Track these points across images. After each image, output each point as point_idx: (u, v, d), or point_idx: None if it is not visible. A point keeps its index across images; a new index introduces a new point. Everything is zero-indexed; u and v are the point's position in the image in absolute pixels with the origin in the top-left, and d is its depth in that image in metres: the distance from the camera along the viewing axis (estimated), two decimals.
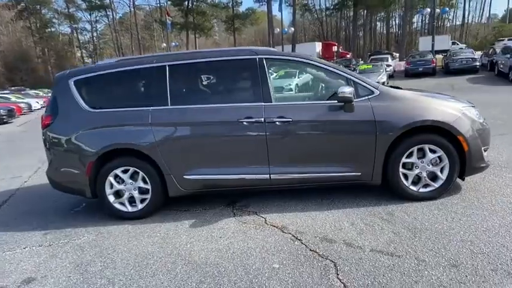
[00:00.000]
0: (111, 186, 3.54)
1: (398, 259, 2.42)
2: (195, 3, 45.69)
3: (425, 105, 3.32)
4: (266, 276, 2.38)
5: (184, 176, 3.45)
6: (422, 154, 3.31)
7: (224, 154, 3.43)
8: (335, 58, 37.33)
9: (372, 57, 28.40)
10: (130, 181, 3.52)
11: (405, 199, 3.36)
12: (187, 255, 2.76)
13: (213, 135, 3.41)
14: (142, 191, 3.55)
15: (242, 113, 3.33)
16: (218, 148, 3.42)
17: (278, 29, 35.94)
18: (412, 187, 3.36)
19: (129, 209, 3.57)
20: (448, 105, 3.37)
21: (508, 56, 15.59)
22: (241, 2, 47.44)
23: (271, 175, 3.40)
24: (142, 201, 3.56)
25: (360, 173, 3.35)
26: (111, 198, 3.56)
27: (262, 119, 3.30)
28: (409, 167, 3.35)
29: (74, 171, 3.56)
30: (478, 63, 19.00)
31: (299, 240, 2.83)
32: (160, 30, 55.70)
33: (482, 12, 59.91)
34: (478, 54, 21.93)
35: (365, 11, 43.29)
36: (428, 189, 3.36)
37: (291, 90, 11.61)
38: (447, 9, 45.23)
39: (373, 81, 3.63)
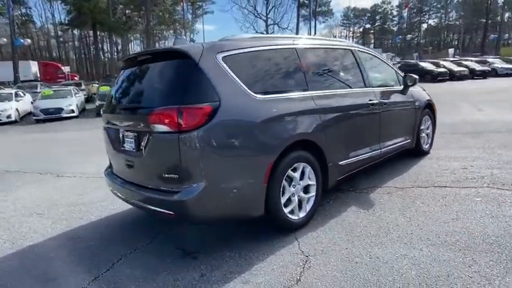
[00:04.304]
0: (283, 191, 2.80)
1: None
2: None
3: (422, 90, 4.97)
4: None
5: (340, 163, 3.31)
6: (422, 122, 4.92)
7: (361, 135, 3.63)
8: (63, 80, 32.66)
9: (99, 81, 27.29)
10: (299, 181, 2.93)
11: (421, 155, 4.86)
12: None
13: (357, 118, 3.53)
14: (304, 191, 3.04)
15: (367, 96, 3.68)
16: (359, 130, 3.58)
17: (5, 40, 27.88)
18: (424, 146, 4.93)
19: (300, 215, 2.95)
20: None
21: None
22: None
23: (381, 150, 3.93)
24: (307, 202, 3.04)
25: (410, 140, 4.54)
26: (284, 208, 2.80)
27: (378, 101, 3.80)
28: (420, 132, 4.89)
29: (247, 183, 2.53)
30: None
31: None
32: None
33: None
34: None
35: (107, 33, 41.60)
36: (427, 145, 5.04)
37: None
38: (194, 41, 50.80)
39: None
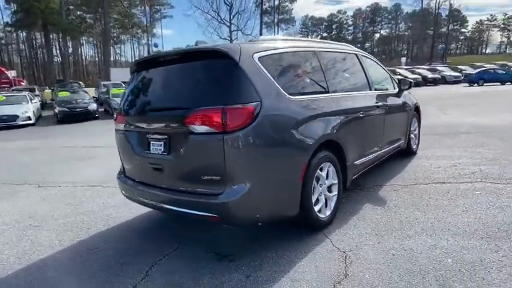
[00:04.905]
0: (313, 190, 2.86)
1: None
2: None
3: (409, 94, 5.29)
4: None
5: (355, 162, 3.44)
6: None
7: (369, 136, 3.80)
8: (7, 86, 29.91)
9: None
10: (325, 180, 3.01)
11: (410, 155, 5.18)
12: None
13: (367, 119, 3.69)
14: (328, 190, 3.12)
15: (373, 99, 3.87)
16: (368, 131, 3.74)
17: None
18: (413, 146, 5.25)
19: (326, 213, 3.03)
20: None
21: None
22: None
23: (384, 149, 4.14)
24: (331, 200, 3.12)
25: (403, 141, 4.82)
26: (314, 206, 2.86)
27: (382, 103, 4.00)
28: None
29: (286, 182, 2.57)
30: None
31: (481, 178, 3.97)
32: None
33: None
34: None
35: (59, 35, 38.99)
36: (415, 146, 5.38)
37: None
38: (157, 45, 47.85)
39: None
